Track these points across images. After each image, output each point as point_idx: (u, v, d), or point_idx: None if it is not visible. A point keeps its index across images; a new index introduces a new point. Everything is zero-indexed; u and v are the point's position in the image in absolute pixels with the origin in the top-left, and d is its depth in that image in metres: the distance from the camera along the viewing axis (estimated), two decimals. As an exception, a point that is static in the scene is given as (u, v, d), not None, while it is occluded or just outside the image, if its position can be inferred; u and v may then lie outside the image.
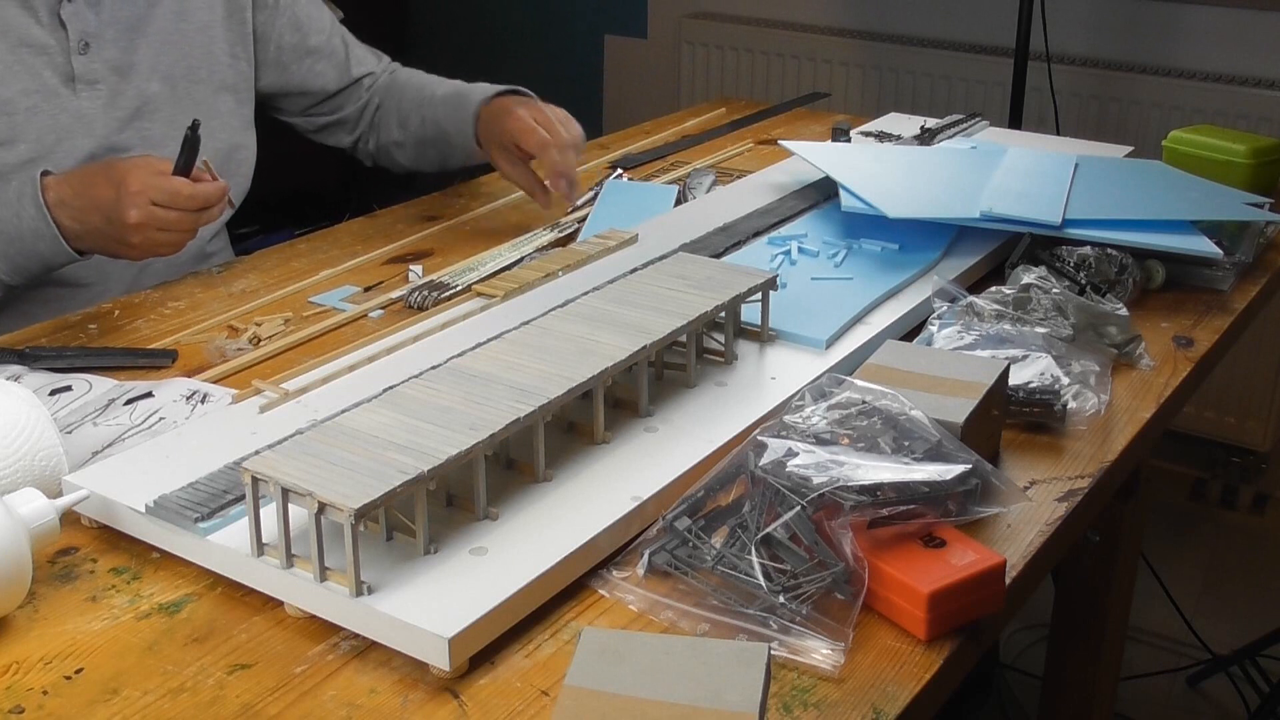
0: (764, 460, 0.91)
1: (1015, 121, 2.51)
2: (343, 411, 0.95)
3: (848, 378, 1.02)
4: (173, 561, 0.93)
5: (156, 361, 1.24)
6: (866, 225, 1.47)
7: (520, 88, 1.68)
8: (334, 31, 1.74)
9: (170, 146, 1.53)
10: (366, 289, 1.43)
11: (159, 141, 1.53)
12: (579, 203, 1.69)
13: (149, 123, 1.52)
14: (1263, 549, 2.72)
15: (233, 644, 0.85)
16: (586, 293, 1.17)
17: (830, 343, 1.21)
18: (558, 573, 0.89)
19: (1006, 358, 1.14)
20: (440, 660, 0.81)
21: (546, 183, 1.56)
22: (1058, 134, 2.44)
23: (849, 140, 1.90)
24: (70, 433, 1.10)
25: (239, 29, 1.60)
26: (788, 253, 1.43)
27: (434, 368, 1.02)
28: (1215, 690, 2.31)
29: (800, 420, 0.97)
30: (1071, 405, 1.16)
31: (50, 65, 1.44)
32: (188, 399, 1.15)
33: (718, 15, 3.30)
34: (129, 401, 1.15)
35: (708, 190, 1.69)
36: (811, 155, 1.66)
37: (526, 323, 1.10)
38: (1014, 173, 1.60)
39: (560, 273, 1.34)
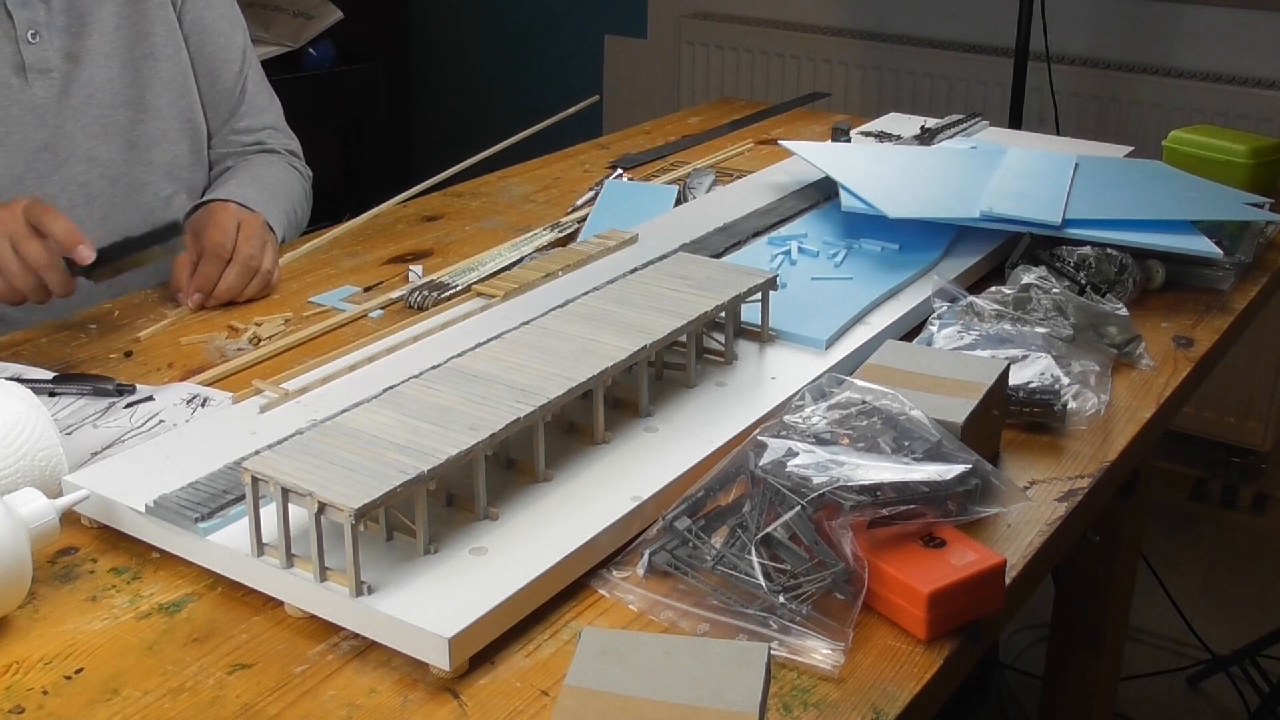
0: (764, 460, 0.91)
1: (1015, 121, 2.51)
2: (343, 411, 0.95)
3: (848, 378, 1.02)
4: (173, 561, 0.93)
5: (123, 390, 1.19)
6: (866, 225, 1.47)
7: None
8: (242, 71, 1.65)
9: (136, 130, 1.53)
10: (366, 289, 1.43)
11: (121, 126, 1.52)
12: (579, 203, 1.69)
13: (107, 109, 1.51)
14: (1263, 549, 2.72)
15: (233, 644, 0.85)
16: (586, 293, 1.17)
17: (830, 343, 1.21)
18: (558, 573, 0.89)
19: (1006, 358, 1.14)
20: (440, 660, 0.81)
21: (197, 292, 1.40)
22: (1058, 134, 2.44)
23: (849, 140, 1.90)
24: (70, 434, 1.10)
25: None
26: (788, 253, 1.43)
27: (434, 368, 1.02)
28: (1215, 690, 2.31)
29: (800, 420, 0.98)
30: (1071, 405, 1.16)
31: None
32: (188, 403, 1.15)
33: (718, 15, 3.30)
34: (129, 404, 1.15)
35: (708, 190, 1.69)
36: (811, 155, 1.66)
37: (526, 323, 1.10)
38: (1014, 173, 1.60)
39: (560, 273, 1.34)
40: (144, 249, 1.36)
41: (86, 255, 1.28)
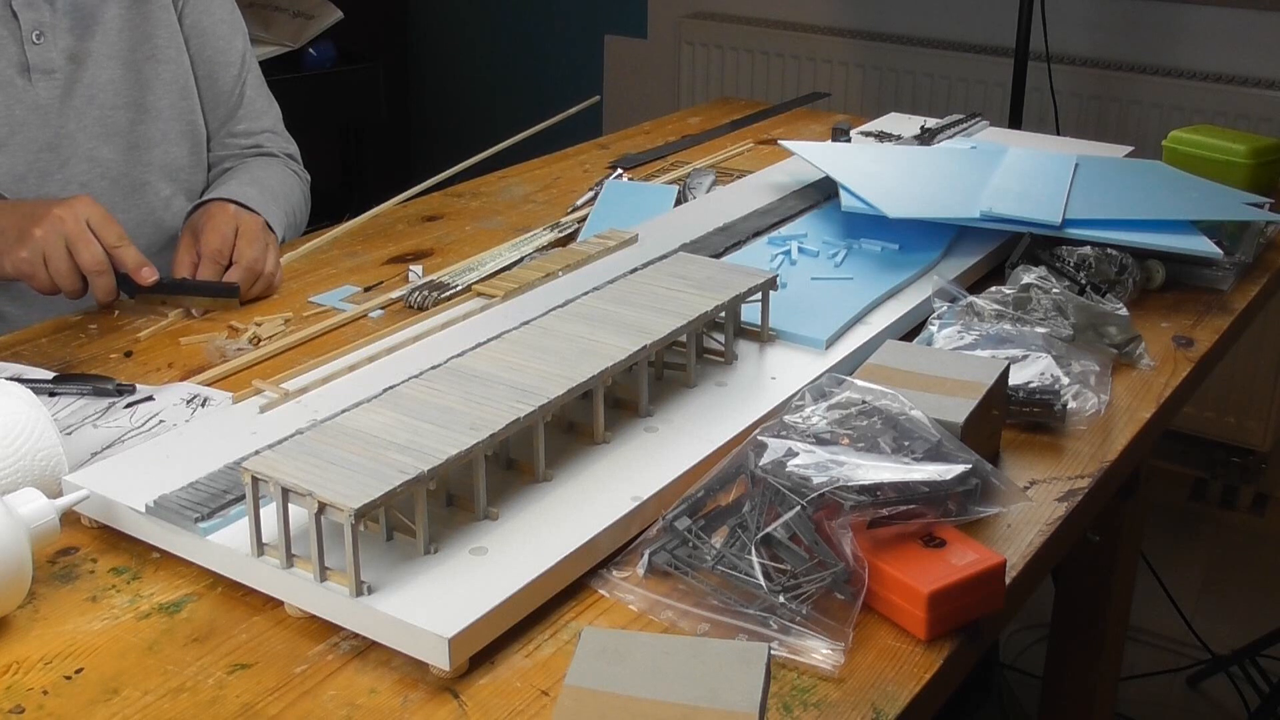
0: (764, 460, 0.91)
1: (1015, 121, 2.51)
2: (343, 411, 0.95)
3: (848, 378, 1.02)
4: (173, 561, 0.93)
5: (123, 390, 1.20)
6: (866, 225, 1.47)
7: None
8: (241, 75, 1.65)
9: (137, 131, 1.54)
10: (366, 289, 1.43)
11: (122, 128, 1.53)
12: (579, 203, 1.69)
13: (109, 110, 1.52)
14: (1263, 549, 2.72)
15: (233, 644, 0.85)
16: (586, 293, 1.17)
17: (830, 343, 1.21)
18: (558, 573, 0.89)
19: (1006, 358, 1.14)
20: (440, 660, 0.81)
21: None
22: (1058, 134, 2.44)
23: (849, 140, 1.90)
24: (70, 434, 1.10)
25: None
26: (788, 253, 1.43)
27: (434, 368, 1.02)
28: (1215, 690, 2.31)
29: (800, 420, 0.97)
30: (1071, 405, 1.16)
31: (3, 56, 1.44)
32: (188, 403, 1.15)
33: (718, 15, 3.30)
34: (129, 404, 1.15)
35: (708, 190, 1.69)
36: (811, 155, 1.66)
37: (526, 323, 1.10)
38: (1014, 173, 1.60)
39: (560, 273, 1.34)
40: (196, 294, 1.37)
41: (150, 277, 1.33)
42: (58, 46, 1.47)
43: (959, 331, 1.21)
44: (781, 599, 0.86)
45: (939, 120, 1.99)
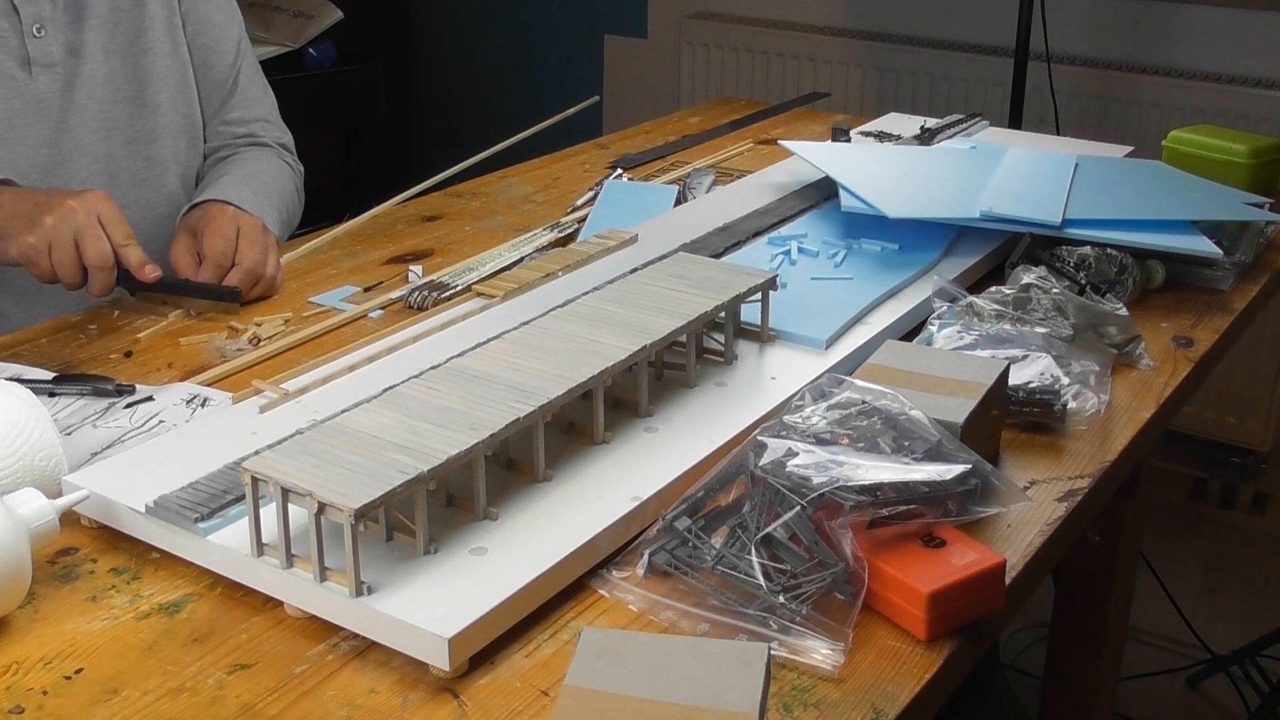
0: (764, 460, 0.91)
1: (1015, 121, 2.51)
2: (343, 411, 0.95)
3: (848, 378, 1.02)
4: (173, 561, 0.93)
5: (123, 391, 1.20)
6: (866, 225, 1.47)
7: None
8: (236, 63, 1.65)
9: (136, 125, 1.54)
10: (366, 289, 1.43)
11: (121, 122, 1.53)
12: (579, 203, 1.69)
13: (108, 104, 1.52)
14: (1263, 549, 2.72)
15: (233, 644, 0.85)
16: (586, 293, 1.17)
17: (830, 343, 1.21)
18: (558, 573, 0.89)
19: (1006, 358, 1.14)
20: (440, 660, 0.81)
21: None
22: (1058, 134, 2.44)
23: (849, 140, 1.90)
24: (70, 434, 1.10)
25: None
26: (788, 253, 1.43)
27: (434, 368, 1.02)
28: (1215, 690, 2.31)
29: (800, 420, 0.97)
30: (1071, 405, 1.16)
31: (4, 49, 1.44)
32: (188, 403, 1.15)
33: (718, 15, 3.30)
34: (129, 405, 1.15)
35: (708, 190, 1.69)
36: (811, 155, 1.66)
37: (526, 323, 1.10)
38: (1014, 173, 1.60)
39: (560, 273, 1.34)
40: (198, 296, 1.37)
41: (152, 274, 1.33)
42: (57, 40, 1.47)
43: (959, 331, 1.21)
44: (781, 599, 0.86)
45: (939, 120, 2.00)
